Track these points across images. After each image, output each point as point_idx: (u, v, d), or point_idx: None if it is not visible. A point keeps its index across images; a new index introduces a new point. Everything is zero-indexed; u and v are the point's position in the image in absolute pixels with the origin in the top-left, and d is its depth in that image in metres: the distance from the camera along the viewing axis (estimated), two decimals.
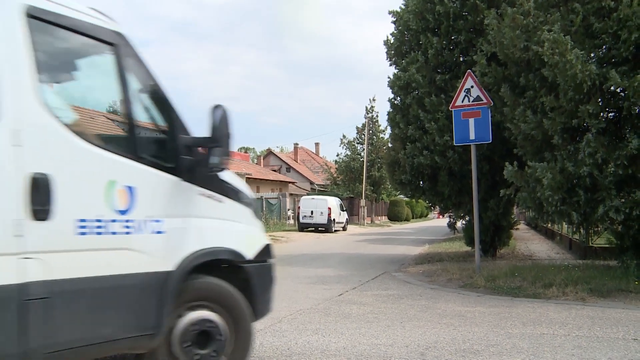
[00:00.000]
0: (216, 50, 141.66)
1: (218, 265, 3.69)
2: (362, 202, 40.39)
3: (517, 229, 18.54)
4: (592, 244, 12.39)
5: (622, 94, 7.93)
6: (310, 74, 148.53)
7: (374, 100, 50.57)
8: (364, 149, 42.73)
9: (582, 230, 11.60)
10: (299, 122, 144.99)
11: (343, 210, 31.35)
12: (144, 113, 3.46)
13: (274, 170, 47.33)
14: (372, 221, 44.14)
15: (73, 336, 2.82)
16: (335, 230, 29.40)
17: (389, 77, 12.87)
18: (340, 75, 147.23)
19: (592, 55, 8.09)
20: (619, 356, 4.57)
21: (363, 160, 41.90)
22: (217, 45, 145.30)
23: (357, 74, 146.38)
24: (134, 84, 3.37)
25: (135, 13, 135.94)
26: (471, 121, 9.73)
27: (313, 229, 28.67)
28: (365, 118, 43.59)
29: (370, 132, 43.41)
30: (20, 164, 2.63)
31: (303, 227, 28.58)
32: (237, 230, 3.83)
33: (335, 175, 45.77)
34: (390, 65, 13.37)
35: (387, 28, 54.89)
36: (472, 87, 9.74)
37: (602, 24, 7.87)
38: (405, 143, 12.36)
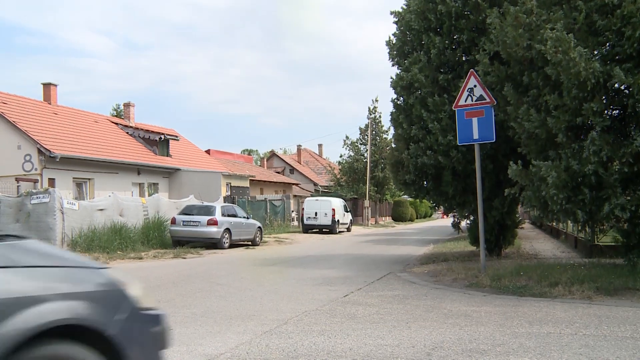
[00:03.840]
0: (216, 52, 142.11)
1: None
2: (366, 202, 40.35)
3: (522, 228, 18.47)
4: (597, 242, 12.34)
5: (627, 91, 7.91)
6: (311, 75, 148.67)
7: (376, 100, 50.40)
8: (367, 150, 42.69)
9: (587, 229, 11.56)
10: (302, 124, 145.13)
11: (347, 211, 31.32)
12: None
13: (278, 172, 47.35)
14: (376, 222, 44.09)
15: None
16: (340, 232, 29.37)
17: (391, 78, 12.86)
18: (341, 76, 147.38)
19: (595, 52, 8.06)
20: (628, 355, 4.54)
21: (366, 161, 41.87)
22: (217, 48, 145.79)
23: (359, 74, 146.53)
24: None
25: (135, 17, 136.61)
26: (474, 120, 9.70)
27: (317, 230, 28.65)
28: (368, 118, 43.54)
29: (374, 132, 43.38)
30: None
31: (307, 229, 28.57)
32: None
33: (338, 176, 45.75)
34: (393, 65, 13.36)
35: (388, 28, 54.90)
36: (475, 86, 9.72)
37: (605, 21, 7.84)
38: (408, 143, 12.33)
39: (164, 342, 2.88)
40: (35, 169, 19.34)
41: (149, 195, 22.97)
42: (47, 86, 25.14)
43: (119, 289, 2.70)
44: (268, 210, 29.52)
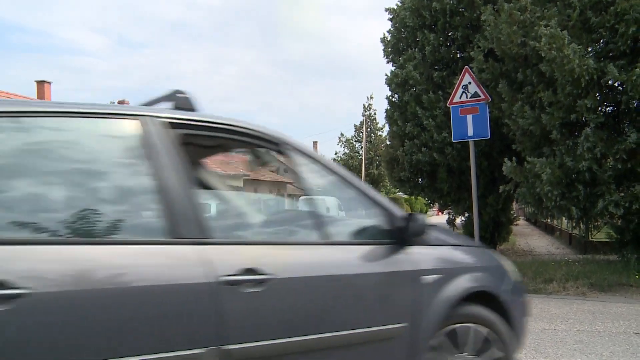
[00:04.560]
0: (212, 50, 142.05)
1: None
2: None
3: (516, 224, 18.52)
4: (592, 238, 12.40)
5: (620, 88, 7.93)
6: (306, 73, 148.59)
7: (371, 98, 50.40)
8: (362, 147, 42.73)
9: (581, 225, 11.60)
10: (296, 121, 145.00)
11: (342, 210, 31.32)
12: None
13: (272, 171, 47.27)
14: None
15: None
16: None
17: (386, 75, 12.87)
18: (336, 74, 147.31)
19: (589, 49, 8.08)
20: (621, 350, 4.56)
21: (361, 159, 41.92)
22: (213, 46, 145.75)
23: (354, 71, 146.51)
24: None
25: (131, 14, 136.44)
26: (469, 117, 9.69)
27: None
28: (363, 116, 43.58)
29: (369, 130, 43.41)
30: None
31: None
32: None
33: None
34: (388, 62, 13.35)
35: (384, 26, 54.84)
36: (469, 83, 9.70)
37: (599, 18, 7.86)
38: (403, 140, 12.34)
39: (528, 310, 3.34)
40: None
41: None
42: (40, 84, 25.00)
43: (501, 264, 3.26)
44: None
